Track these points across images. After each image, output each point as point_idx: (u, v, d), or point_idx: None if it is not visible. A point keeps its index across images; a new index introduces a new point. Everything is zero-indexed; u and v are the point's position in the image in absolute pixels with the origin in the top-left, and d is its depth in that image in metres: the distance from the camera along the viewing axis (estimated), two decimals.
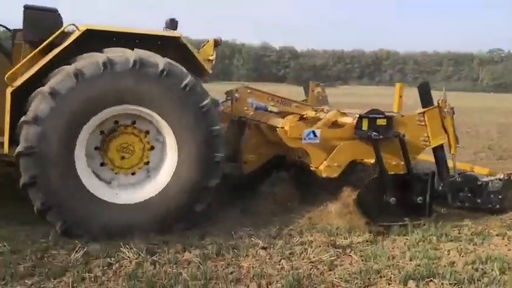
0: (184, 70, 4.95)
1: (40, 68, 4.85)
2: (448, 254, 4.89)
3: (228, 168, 6.18)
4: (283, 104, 6.55)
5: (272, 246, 4.89)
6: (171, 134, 5.03)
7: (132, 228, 4.80)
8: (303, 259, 4.63)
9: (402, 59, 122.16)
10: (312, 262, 4.57)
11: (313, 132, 5.47)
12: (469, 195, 5.95)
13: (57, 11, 5.52)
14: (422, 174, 5.77)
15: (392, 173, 5.62)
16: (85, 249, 4.51)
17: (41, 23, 5.21)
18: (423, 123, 5.80)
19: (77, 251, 4.45)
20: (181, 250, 4.69)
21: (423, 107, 5.92)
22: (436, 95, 6.07)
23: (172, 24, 5.68)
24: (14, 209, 5.48)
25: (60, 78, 4.65)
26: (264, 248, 4.81)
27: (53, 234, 4.78)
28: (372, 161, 5.57)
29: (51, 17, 5.38)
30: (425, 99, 5.95)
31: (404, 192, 5.68)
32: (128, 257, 4.43)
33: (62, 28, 5.09)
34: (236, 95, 6.33)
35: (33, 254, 4.39)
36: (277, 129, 5.58)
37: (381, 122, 5.52)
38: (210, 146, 5.07)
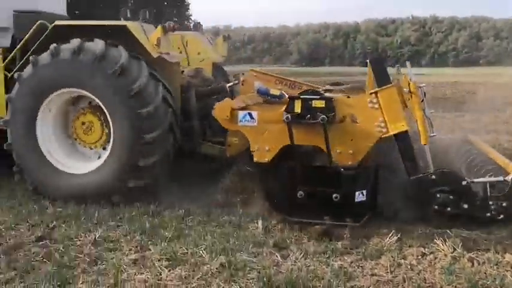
0: (123, 54, 5.41)
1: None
2: None
3: (215, 150, 6.07)
4: (292, 87, 6.12)
5: None
6: (108, 114, 5.55)
7: (78, 195, 5.53)
8: None
9: None
10: None
11: (250, 114, 5.00)
12: (451, 197, 4.69)
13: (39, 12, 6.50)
14: (344, 169, 4.75)
15: (344, 162, 4.80)
16: (398, 235, 4.53)
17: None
18: (377, 106, 4.77)
19: (390, 237, 4.52)
20: (501, 251, 4.25)
21: (378, 87, 4.86)
22: None
23: (144, 14, 6.26)
24: None
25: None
26: None
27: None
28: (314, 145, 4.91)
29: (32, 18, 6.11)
30: (380, 77, 4.95)
31: (326, 188, 4.79)
32: (443, 249, 4.26)
33: (34, 27, 5.92)
34: (241, 78, 6.18)
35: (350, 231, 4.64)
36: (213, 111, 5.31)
37: (318, 103, 4.76)
38: (139, 127, 5.33)
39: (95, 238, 4.59)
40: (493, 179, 4.83)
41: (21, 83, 5.70)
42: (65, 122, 6.04)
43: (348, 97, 5.10)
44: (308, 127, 4.81)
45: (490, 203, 4.69)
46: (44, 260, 4.14)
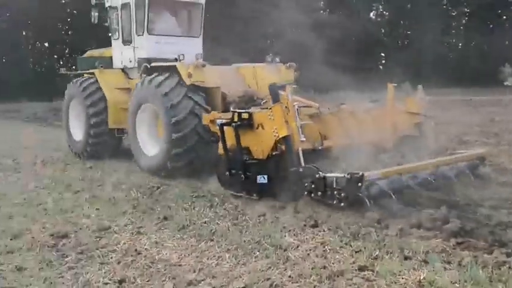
0: (178, 92, 8.62)
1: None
2: None
3: None
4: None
5: None
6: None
7: (150, 169, 9.09)
8: None
9: None
10: None
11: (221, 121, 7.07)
12: (313, 186, 6.11)
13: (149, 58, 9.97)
14: (248, 159, 6.79)
15: (259, 157, 6.73)
16: None
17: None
18: (272, 118, 6.52)
19: None
20: None
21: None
22: None
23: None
24: None
25: None
26: None
27: None
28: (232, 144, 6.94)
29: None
30: (275, 98, 6.75)
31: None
32: None
33: (142, 67, 9.79)
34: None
35: None
36: None
37: (245, 115, 6.77)
38: (171, 127, 8.51)
39: (419, 279, 4.12)
40: (337, 174, 5.98)
41: (130, 102, 9.53)
42: (153, 123, 9.27)
43: (259, 112, 6.84)
44: (244, 131, 6.79)
45: (335, 193, 5.90)
46: None
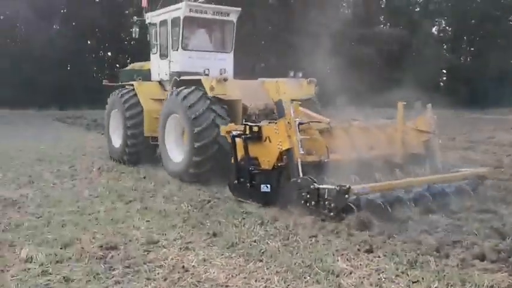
0: (202, 105, 9.30)
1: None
2: None
3: None
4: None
5: None
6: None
7: (176, 173, 9.88)
8: None
9: None
10: None
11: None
12: (308, 196, 6.63)
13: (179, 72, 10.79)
14: (253, 169, 7.48)
15: (265, 167, 7.43)
16: None
17: None
18: (278, 132, 7.23)
19: None
20: None
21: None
22: None
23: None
24: None
25: None
26: None
27: None
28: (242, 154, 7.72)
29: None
30: (280, 113, 7.35)
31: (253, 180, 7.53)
32: None
33: (173, 80, 10.82)
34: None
35: None
36: None
37: (255, 128, 7.47)
38: (194, 137, 9.21)
39: None
40: (329, 186, 6.57)
41: (161, 112, 10.41)
42: (180, 132, 10.05)
43: (267, 125, 7.50)
44: (253, 143, 7.51)
45: (326, 203, 6.47)
46: None
